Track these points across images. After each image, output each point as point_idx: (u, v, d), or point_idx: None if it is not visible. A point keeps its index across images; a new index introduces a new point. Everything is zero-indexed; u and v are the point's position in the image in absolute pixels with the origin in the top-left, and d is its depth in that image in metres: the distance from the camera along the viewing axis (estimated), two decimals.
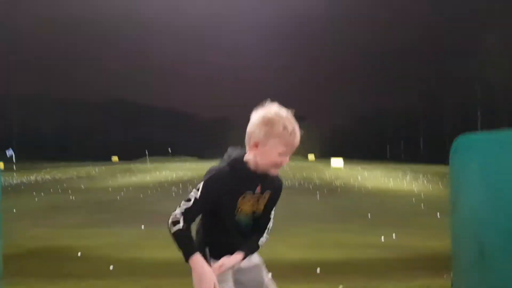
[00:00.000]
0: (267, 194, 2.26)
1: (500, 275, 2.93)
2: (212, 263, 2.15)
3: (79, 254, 7.55)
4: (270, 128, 2.01)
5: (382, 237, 9.09)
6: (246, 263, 2.32)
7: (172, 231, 2.02)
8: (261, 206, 2.27)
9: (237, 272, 2.34)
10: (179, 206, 2.07)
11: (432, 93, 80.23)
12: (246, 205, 2.19)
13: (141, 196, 19.16)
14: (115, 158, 73.26)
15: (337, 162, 48.82)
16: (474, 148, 3.31)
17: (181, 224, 2.02)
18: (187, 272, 6.55)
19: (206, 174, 2.18)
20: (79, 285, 5.50)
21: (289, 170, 41.97)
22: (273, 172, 2.13)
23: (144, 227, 10.89)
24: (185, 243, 2.03)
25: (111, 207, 15.51)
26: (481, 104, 64.34)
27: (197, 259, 2.01)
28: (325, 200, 17.85)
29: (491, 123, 60.40)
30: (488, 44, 58.78)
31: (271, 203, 2.31)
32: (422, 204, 15.70)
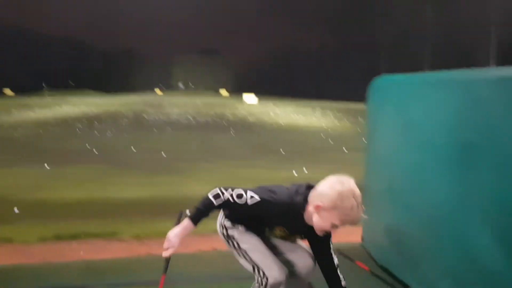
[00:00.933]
0: (301, 237, 2.38)
1: (405, 206, 3.15)
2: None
3: None
4: (340, 203, 2.05)
5: (294, 171, 9.50)
6: None
7: (206, 197, 2.14)
8: (294, 240, 2.38)
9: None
10: (230, 194, 2.12)
11: (343, 32, 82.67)
12: (279, 232, 2.30)
13: (41, 132, 17.88)
14: (8, 91, 66.47)
15: (250, 98, 49.27)
16: (390, 89, 3.40)
17: (215, 203, 2.12)
18: (101, 213, 6.29)
19: (268, 190, 2.20)
20: None
21: (202, 106, 41.69)
22: (318, 233, 2.16)
23: (49, 166, 10.27)
24: (202, 211, 2.15)
25: (9, 145, 14.33)
26: (388, 44, 67.77)
27: (190, 225, 2.16)
28: (239, 137, 18.10)
29: (396, 65, 64.29)
30: None
31: (316, 246, 2.36)
32: (330, 139, 16.53)
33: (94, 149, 13.41)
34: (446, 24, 51.77)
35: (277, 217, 2.21)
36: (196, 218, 2.16)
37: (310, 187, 2.19)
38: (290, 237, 2.35)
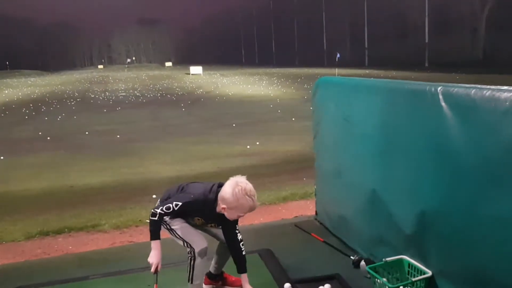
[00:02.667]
0: (216, 224, 3.08)
1: (348, 184, 3.81)
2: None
3: None
4: (237, 203, 2.80)
5: (248, 146, 10.00)
6: None
7: (150, 220, 2.82)
8: (212, 226, 3.11)
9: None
10: (159, 209, 2.80)
11: None
12: (198, 221, 3.03)
13: None
14: None
15: (196, 70, 48.82)
16: (331, 89, 4.08)
17: (156, 218, 2.80)
18: (71, 202, 6.47)
19: (184, 190, 2.99)
20: None
21: (149, 80, 40.95)
22: (231, 219, 2.93)
23: (3, 157, 10.16)
24: (154, 230, 2.82)
25: None
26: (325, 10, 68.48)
27: (157, 243, 2.83)
28: (190, 111, 18.26)
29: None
30: None
31: (227, 227, 3.05)
32: (278, 110, 17.07)
33: (46, 136, 13.23)
34: None
35: (196, 211, 2.94)
36: (155, 236, 2.83)
37: (220, 185, 2.91)
38: (206, 225, 3.08)
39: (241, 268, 3.09)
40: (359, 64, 52.73)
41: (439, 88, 2.56)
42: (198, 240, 2.99)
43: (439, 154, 2.61)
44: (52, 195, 7.02)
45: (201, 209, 2.91)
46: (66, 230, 4.72)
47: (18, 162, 9.82)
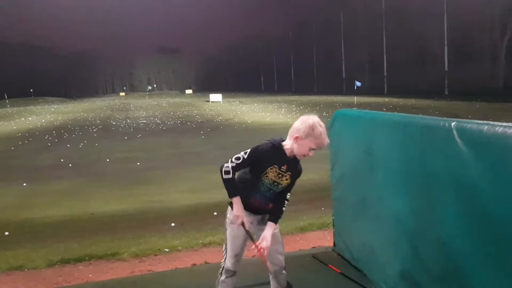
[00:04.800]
0: (288, 175, 2.95)
1: (370, 216, 3.80)
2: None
3: None
4: (311, 131, 2.82)
5: None
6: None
7: (224, 178, 2.80)
8: (283, 182, 2.96)
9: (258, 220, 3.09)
10: (231, 161, 2.80)
11: (301, 23, 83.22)
12: (271, 173, 2.90)
13: (12, 148, 17.72)
14: None
15: (215, 97, 49.52)
16: (349, 121, 4.14)
17: (230, 175, 2.79)
18: (92, 230, 6.55)
19: (253, 148, 2.95)
20: None
21: (169, 108, 41.62)
22: (300, 158, 2.93)
23: (26, 184, 10.39)
24: (232, 187, 2.84)
25: None
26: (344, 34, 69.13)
27: (238, 200, 2.86)
28: (209, 139, 18.43)
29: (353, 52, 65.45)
30: None
31: (291, 183, 3.01)
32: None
33: (68, 163, 13.50)
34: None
35: (266, 159, 2.87)
36: (233, 193, 2.86)
37: (283, 140, 2.94)
38: (279, 178, 2.94)
39: (274, 219, 3.02)
40: (379, 92, 52.71)
41: (453, 124, 2.60)
42: (233, 259, 3.01)
43: (459, 189, 2.61)
44: (73, 222, 7.13)
45: (271, 153, 2.87)
46: (86, 258, 4.79)
47: (40, 189, 10.00)
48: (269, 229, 2.96)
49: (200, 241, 5.33)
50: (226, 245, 3.08)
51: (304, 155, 2.90)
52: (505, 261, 2.29)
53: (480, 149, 2.41)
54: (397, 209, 3.35)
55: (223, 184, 2.87)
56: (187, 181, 10.23)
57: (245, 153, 2.85)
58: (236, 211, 2.88)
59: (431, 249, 2.95)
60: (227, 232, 3.06)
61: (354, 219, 4.16)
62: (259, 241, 2.89)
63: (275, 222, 3.01)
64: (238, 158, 2.82)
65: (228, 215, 3.07)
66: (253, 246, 2.91)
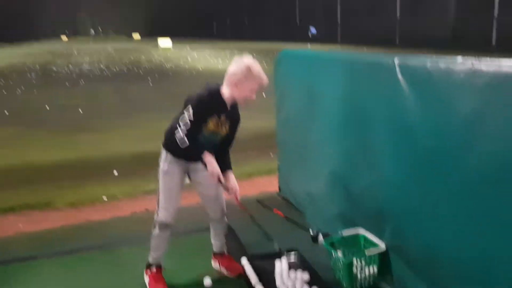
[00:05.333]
0: (227, 124, 2.85)
1: (314, 163, 3.76)
2: (172, 161, 2.86)
3: None
4: (248, 71, 2.70)
5: None
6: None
7: (184, 148, 2.66)
8: (222, 131, 2.86)
9: (196, 167, 2.93)
10: (180, 129, 2.65)
11: None
12: (212, 124, 2.77)
13: None
14: None
15: (165, 42, 47.69)
16: (293, 62, 3.96)
17: (187, 142, 2.64)
18: (29, 180, 6.14)
19: (187, 100, 2.79)
20: None
21: (115, 53, 39.81)
22: (243, 104, 2.81)
23: None
24: (195, 151, 2.72)
25: None
26: None
27: (208, 155, 2.72)
28: (158, 87, 17.83)
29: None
30: None
31: (231, 132, 2.92)
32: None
33: (4, 110, 12.68)
34: None
35: (208, 109, 2.74)
36: (198, 155, 2.72)
37: (220, 86, 2.83)
38: (218, 128, 2.83)
39: (228, 165, 2.96)
40: (332, 40, 52.66)
41: (396, 60, 2.49)
42: (167, 212, 2.88)
43: (397, 129, 2.56)
44: (8, 172, 6.73)
45: (210, 102, 2.75)
46: (18, 208, 4.52)
47: None
48: (230, 173, 2.93)
49: (141, 189, 5.15)
50: (158, 196, 2.92)
51: (246, 99, 2.77)
52: (437, 202, 2.29)
53: (422, 87, 2.34)
54: (334, 153, 3.31)
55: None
56: (133, 130, 9.88)
57: (190, 115, 2.68)
58: (210, 169, 2.74)
59: (365, 190, 2.95)
60: (161, 183, 2.90)
61: (296, 164, 4.12)
62: (208, 170, 2.77)
63: (231, 167, 2.95)
64: (186, 124, 2.67)
65: (161, 165, 2.89)
66: (228, 193, 2.89)
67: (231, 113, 2.86)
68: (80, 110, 12.27)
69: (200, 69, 24.26)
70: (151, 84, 18.30)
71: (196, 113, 2.67)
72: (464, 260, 2.12)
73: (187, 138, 2.64)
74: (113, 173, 6.24)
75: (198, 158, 2.74)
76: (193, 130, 2.68)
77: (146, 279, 2.95)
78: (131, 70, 24.93)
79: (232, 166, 2.98)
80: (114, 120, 11.03)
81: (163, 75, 21.61)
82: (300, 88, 3.78)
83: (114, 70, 25.35)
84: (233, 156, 2.87)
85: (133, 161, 7.11)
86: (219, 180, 2.78)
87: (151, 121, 10.65)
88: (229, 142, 3.00)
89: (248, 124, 2.98)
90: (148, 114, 11.75)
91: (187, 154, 2.77)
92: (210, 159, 2.73)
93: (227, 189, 2.87)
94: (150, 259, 2.97)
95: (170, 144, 2.86)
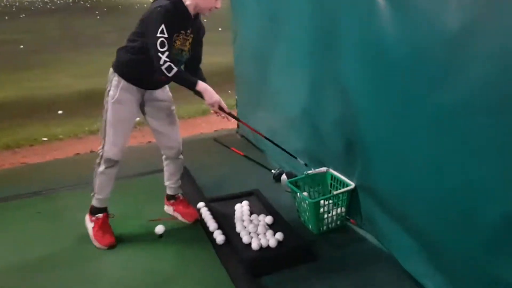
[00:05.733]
0: (191, 38, 2.48)
1: (276, 96, 3.43)
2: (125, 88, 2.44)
3: None
4: None
5: None
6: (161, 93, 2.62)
7: (172, 76, 2.25)
8: (187, 47, 2.48)
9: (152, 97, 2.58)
10: (160, 53, 2.22)
11: None
12: (178, 41, 2.40)
13: None
14: None
15: None
16: None
17: (175, 67, 2.23)
18: None
19: (146, 17, 2.34)
20: None
21: None
22: (207, 14, 2.43)
23: None
24: (186, 79, 2.33)
25: None
26: None
27: (202, 83, 2.35)
28: (106, 20, 16.70)
29: None
30: None
31: (197, 46, 2.57)
32: (204, 19, 16.07)
33: None
34: None
35: (175, 23, 2.32)
36: (191, 83, 2.33)
37: None
38: (183, 45, 2.46)
39: (201, 77, 2.57)
40: None
41: None
42: (116, 148, 2.50)
43: (370, 55, 2.25)
44: None
45: (175, 15, 2.31)
46: None
47: None
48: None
49: (86, 128, 4.70)
50: (105, 129, 2.49)
51: (210, 9, 2.37)
52: (413, 131, 2.04)
53: (401, 3, 2.02)
54: (298, 84, 2.99)
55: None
56: (79, 66, 9.21)
57: (160, 32, 2.23)
58: (209, 99, 2.38)
59: (331, 123, 2.68)
60: (109, 114, 2.45)
61: (256, 98, 3.80)
62: (207, 101, 2.40)
63: (205, 79, 2.54)
64: (162, 44, 2.23)
65: (111, 93, 2.45)
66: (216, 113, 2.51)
67: (196, 26, 2.48)
68: (21, 46, 11.32)
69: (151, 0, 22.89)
70: (98, 18, 17.09)
71: (167, 28, 2.24)
72: (442, 196, 1.92)
73: (173, 63, 2.22)
74: (56, 113, 5.72)
75: (190, 86, 2.33)
76: (170, 49, 2.27)
77: (89, 227, 2.62)
78: (77, 2, 23.20)
79: (186, 104, 2.57)
80: (59, 56, 10.23)
81: (111, 9, 20.24)
82: (260, 7, 3.36)
83: (59, 2, 23.52)
84: (187, 92, 2.48)
85: (79, 99, 6.56)
86: (221, 109, 2.44)
87: (97, 56, 9.95)
88: (199, 59, 2.63)
89: (204, 59, 2.57)
90: (96, 49, 10.99)
91: (180, 82, 2.31)
92: (205, 86, 2.35)
93: (228, 115, 2.52)
94: (95, 202, 2.62)
95: (124, 66, 2.44)
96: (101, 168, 2.53)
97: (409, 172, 2.11)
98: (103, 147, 2.51)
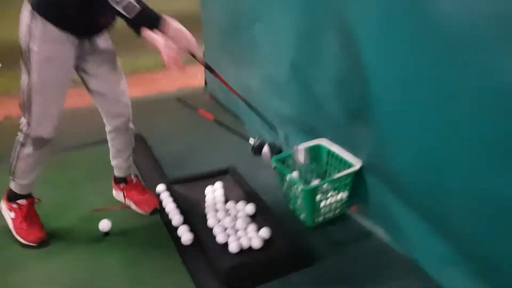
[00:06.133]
0: None
1: (257, 48, 2.77)
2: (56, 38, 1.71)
3: None
4: None
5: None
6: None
7: (132, 16, 1.59)
8: None
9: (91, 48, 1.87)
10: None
11: None
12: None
13: None
14: None
15: None
16: None
17: (138, 7, 1.58)
18: None
19: None
20: None
21: None
22: None
23: None
24: (149, 15, 1.63)
25: None
26: None
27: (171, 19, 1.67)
28: None
29: None
30: None
31: None
32: None
33: None
34: None
35: None
36: (154, 20, 1.64)
37: None
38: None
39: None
40: None
41: None
42: (48, 117, 1.82)
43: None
44: None
45: None
46: None
47: None
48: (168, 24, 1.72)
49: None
50: (30, 100, 1.76)
51: None
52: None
53: None
54: (288, 30, 2.34)
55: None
56: (13, 14, 8.08)
57: None
58: (166, 51, 1.68)
59: (334, 84, 2.06)
60: (34, 77, 1.71)
61: (229, 48, 3.13)
62: (164, 51, 1.69)
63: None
64: None
65: (35, 46, 1.67)
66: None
67: None
68: None
69: None
70: None
71: None
72: (494, 189, 1.37)
73: (138, 4, 1.58)
74: None
75: (152, 24, 1.64)
76: None
77: (8, 217, 1.97)
78: None
79: (144, 56, 1.85)
80: None
81: None
82: None
83: None
84: (144, 43, 1.77)
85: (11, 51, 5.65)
86: (194, 56, 1.75)
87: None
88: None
89: (167, 5, 1.81)
90: None
91: (142, 20, 1.63)
92: (155, 36, 1.68)
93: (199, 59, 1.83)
94: (15, 188, 1.95)
95: (51, 3, 1.68)
96: (28, 149, 1.84)
97: (433, 148, 1.55)
98: (28, 123, 1.79)
